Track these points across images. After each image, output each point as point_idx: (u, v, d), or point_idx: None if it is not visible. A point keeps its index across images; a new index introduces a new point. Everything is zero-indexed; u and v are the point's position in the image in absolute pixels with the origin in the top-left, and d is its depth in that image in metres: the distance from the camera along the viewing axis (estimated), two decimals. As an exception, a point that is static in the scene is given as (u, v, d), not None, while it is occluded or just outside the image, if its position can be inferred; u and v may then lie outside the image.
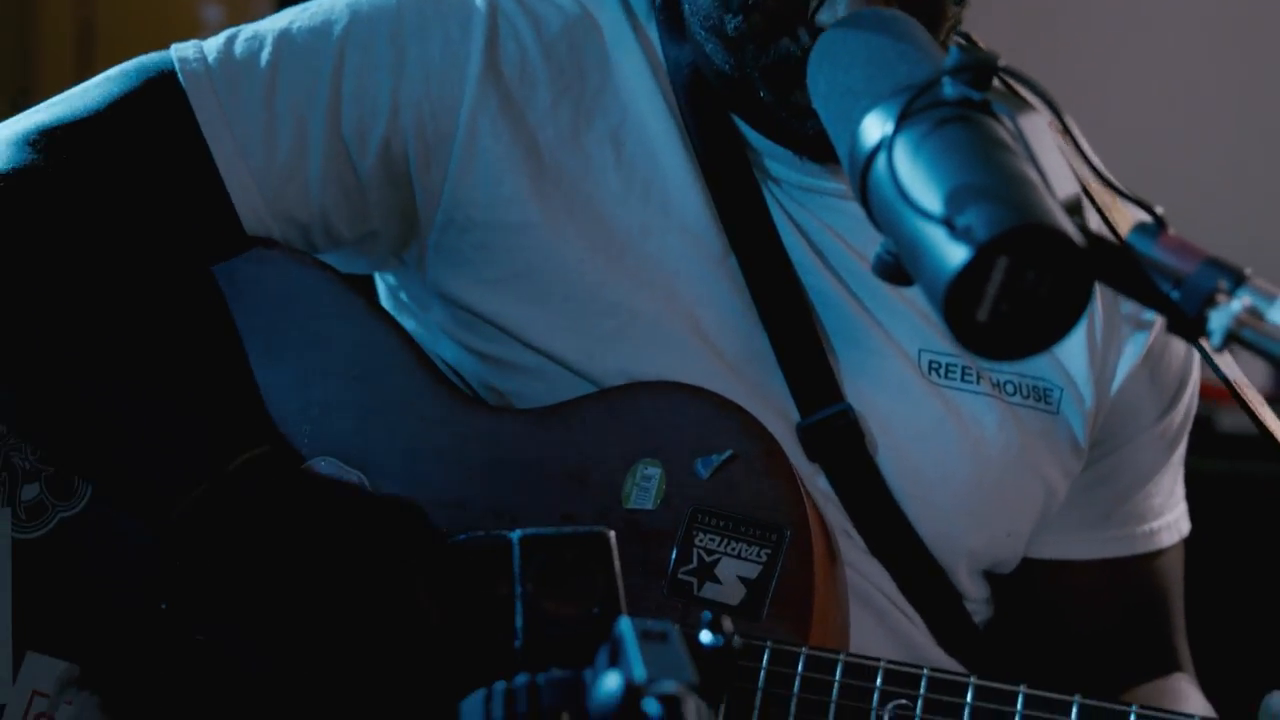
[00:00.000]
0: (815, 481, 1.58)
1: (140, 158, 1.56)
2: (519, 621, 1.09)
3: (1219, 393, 2.95)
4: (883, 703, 1.40)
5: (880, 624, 1.62)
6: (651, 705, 0.93)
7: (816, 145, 1.51)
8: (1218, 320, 1.03)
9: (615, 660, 0.99)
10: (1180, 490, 1.78)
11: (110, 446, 1.47)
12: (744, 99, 1.56)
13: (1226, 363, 1.48)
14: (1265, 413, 1.45)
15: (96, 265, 1.52)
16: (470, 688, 1.02)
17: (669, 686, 0.94)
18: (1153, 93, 3.60)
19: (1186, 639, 1.78)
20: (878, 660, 1.42)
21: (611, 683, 0.95)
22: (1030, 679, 1.41)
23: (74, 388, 1.48)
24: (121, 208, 1.55)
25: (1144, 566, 1.74)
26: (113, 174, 1.55)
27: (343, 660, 1.38)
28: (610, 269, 1.57)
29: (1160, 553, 1.75)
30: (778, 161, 1.60)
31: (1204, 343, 1.05)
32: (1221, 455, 3.01)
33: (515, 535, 1.11)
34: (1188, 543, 1.81)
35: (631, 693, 0.94)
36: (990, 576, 1.70)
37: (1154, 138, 3.49)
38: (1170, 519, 1.75)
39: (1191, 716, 1.36)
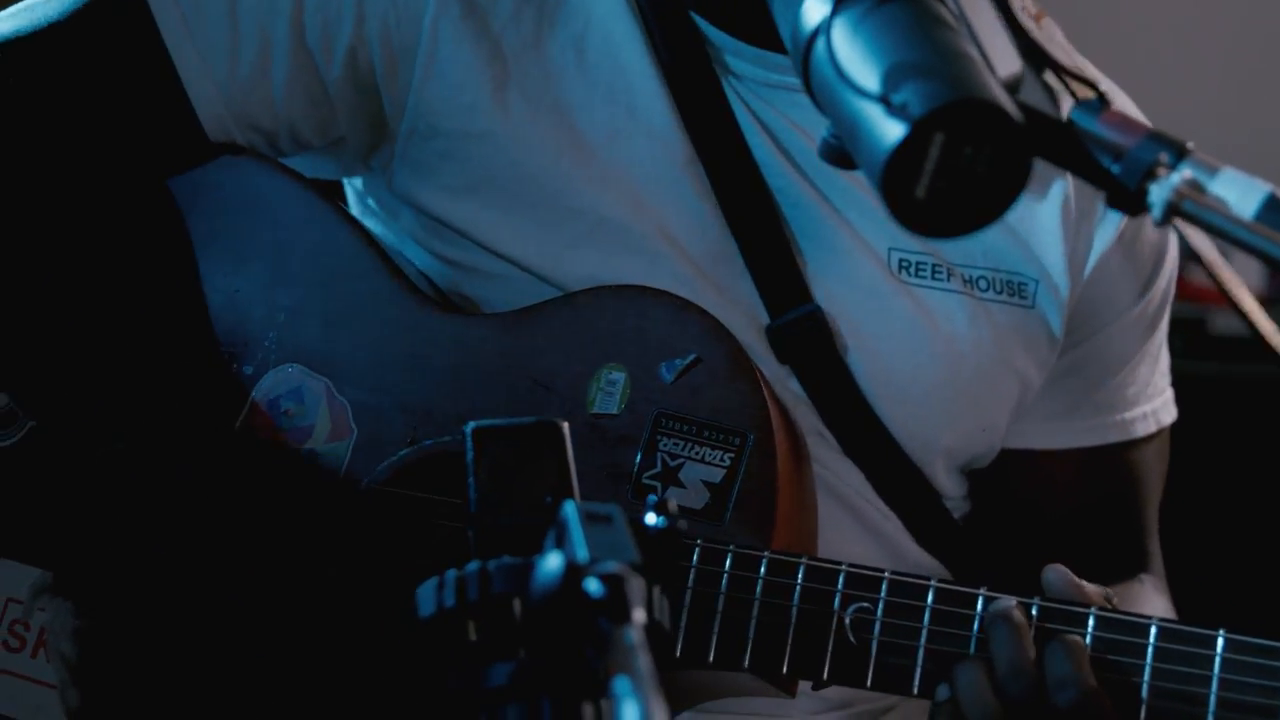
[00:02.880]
0: (787, 384, 1.57)
1: (102, 68, 1.56)
2: (472, 510, 1.09)
3: (1211, 295, 2.94)
4: (844, 606, 1.40)
5: (857, 523, 1.62)
6: (593, 584, 0.93)
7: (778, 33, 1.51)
8: (1158, 193, 1.03)
9: (560, 543, 1.00)
10: (1161, 380, 1.75)
11: (47, 377, 1.51)
12: None
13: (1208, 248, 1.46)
14: (1244, 295, 1.44)
15: (53, 181, 1.52)
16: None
17: (610, 566, 0.94)
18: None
19: (1158, 539, 1.77)
20: (840, 564, 1.42)
21: (553, 563, 0.95)
22: (1008, 576, 1.41)
23: (22, 313, 1.51)
24: (83, 119, 1.55)
25: (1116, 457, 1.73)
26: (74, 85, 1.55)
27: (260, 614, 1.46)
28: (576, 174, 1.56)
29: (1133, 443, 1.73)
30: (741, 59, 1.59)
31: (1182, 227, 1.04)
32: (1214, 358, 3.01)
33: (468, 427, 1.11)
34: (1179, 447, 1.78)
35: (573, 572, 0.94)
36: (969, 472, 1.70)
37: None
38: (1147, 409, 1.73)
39: (1148, 618, 1.36)
